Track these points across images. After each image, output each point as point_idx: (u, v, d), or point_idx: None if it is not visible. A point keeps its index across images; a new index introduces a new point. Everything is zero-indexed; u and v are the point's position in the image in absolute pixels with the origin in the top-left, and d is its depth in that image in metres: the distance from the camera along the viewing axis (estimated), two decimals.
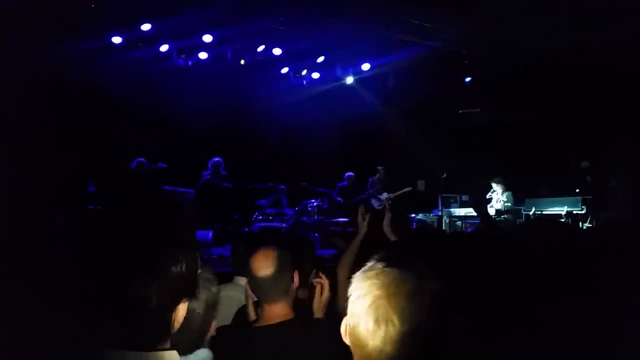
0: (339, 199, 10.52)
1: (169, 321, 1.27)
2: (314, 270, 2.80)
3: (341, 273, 2.78)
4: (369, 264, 1.19)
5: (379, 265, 1.16)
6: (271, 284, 2.12)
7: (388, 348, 1.08)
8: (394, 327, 1.07)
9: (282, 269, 2.14)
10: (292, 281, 2.21)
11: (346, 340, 1.17)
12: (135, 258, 1.25)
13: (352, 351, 1.15)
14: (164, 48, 9.19)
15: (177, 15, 8.24)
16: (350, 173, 10.58)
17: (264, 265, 2.13)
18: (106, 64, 8.95)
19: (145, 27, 8.50)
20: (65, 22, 7.96)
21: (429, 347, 1.10)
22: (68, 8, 7.77)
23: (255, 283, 2.16)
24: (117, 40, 8.68)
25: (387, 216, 3.33)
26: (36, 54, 7.69)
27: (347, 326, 1.16)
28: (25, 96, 7.80)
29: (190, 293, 1.33)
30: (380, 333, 1.08)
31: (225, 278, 3.19)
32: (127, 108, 9.34)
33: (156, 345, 1.25)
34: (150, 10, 8.25)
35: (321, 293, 2.41)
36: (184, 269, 1.27)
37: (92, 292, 1.27)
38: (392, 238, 3.28)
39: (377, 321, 1.09)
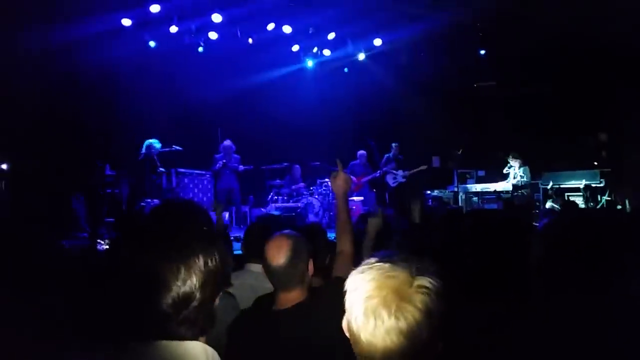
0: (352, 177, 10.46)
1: (212, 312, 1.32)
2: (329, 256, 2.77)
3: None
4: (365, 260, 1.21)
5: (372, 260, 1.18)
6: (285, 273, 2.10)
7: (378, 342, 1.10)
8: (382, 322, 1.09)
9: (296, 258, 2.11)
10: (307, 269, 2.18)
11: (347, 333, 1.20)
12: (175, 257, 1.27)
13: (352, 344, 1.17)
14: (174, 29, 9.10)
15: None
16: (363, 151, 10.49)
17: (278, 254, 2.09)
18: (116, 47, 8.91)
19: (154, 8, 8.40)
20: (74, 4, 7.92)
21: (417, 343, 1.10)
22: None
23: (269, 271, 2.13)
24: (126, 22, 8.60)
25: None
26: (46, 38, 7.69)
27: (346, 319, 1.19)
28: (36, 80, 7.83)
29: (225, 283, 1.36)
30: (370, 327, 1.11)
31: (238, 260, 3.22)
32: (138, 90, 9.33)
33: (199, 335, 1.31)
34: None
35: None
36: (218, 262, 1.31)
37: (129, 285, 1.29)
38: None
39: (366, 315, 1.11)
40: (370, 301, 1.11)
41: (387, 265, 1.15)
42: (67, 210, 7.47)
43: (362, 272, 1.17)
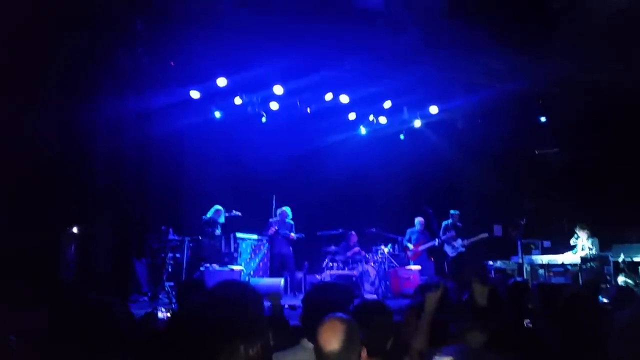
0: (409, 244, 10.26)
1: None
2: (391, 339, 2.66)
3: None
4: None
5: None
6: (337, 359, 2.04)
7: None
8: None
9: (349, 344, 2.06)
10: (360, 358, 2.11)
11: None
12: (220, 347, 1.38)
13: None
14: (238, 101, 9.57)
15: (250, 69, 8.58)
16: (421, 218, 10.33)
17: (331, 339, 2.05)
18: (184, 117, 9.45)
19: (221, 81, 8.88)
20: (147, 78, 8.53)
21: None
22: (151, 66, 8.34)
23: (321, 356, 2.09)
24: (195, 95, 9.11)
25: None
26: (118, 108, 8.26)
27: None
28: (107, 148, 8.35)
29: None
30: None
31: (295, 333, 3.15)
32: (201, 157, 9.78)
33: None
34: (225, 65, 8.65)
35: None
36: (260, 350, 1.41)
37: None
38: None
39: None
40: None
41: None
42: (130, 273, 7.70)
43: None
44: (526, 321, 3.60)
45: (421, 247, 10.12)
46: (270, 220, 9.38)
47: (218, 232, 8.38)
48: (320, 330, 2.10)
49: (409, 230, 10.39)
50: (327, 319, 2.14)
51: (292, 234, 9.28)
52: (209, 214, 8.47)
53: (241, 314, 1.47)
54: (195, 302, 1.54)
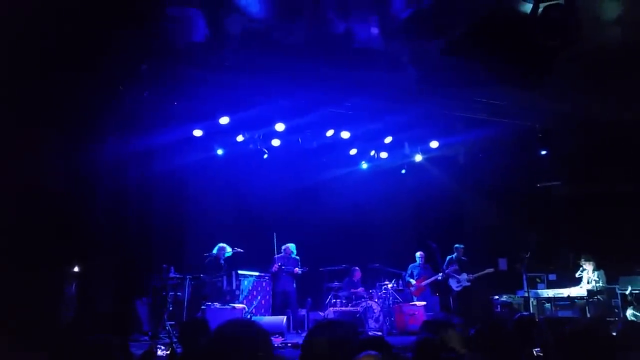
0: (411, 280, 10.14)
1: None
2: None
3: None
4: None
5: None
6: None
7: None
8: None
9: None
10: None
11: None
12: None
13: None
14: (240, 138, 9.66)
15: (252, 107, 8.69)
16: (421, 252, 10.23)
17: None
18: (186, 154, 9.52)
19: (223, 120, 8.99)
20: (151, 118, 8.64)
21: None
22: (154, 106, 8.46)
23: None
24: (197, 133, 9.20)
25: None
26: (121, 148, 8.33)
27: None
28: (109, 187, 8.39)
29: None
30: None
31: None
32: (203, 193, 9.80)
33: None
34: (227, 104, 8.76)
35: None
36: None
37: None
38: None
39: None
40: None
41: None
42: (132, 312, 7.61)
43: None
44: (536, 350, 3.55)
45: (424, 282, 10.00)
46: (275, 257, 9.33)
47: (221, 269, 8.32)
48: None
49: (410, 266, 10.28)
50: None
51: (297, 269, 9.21)
52: (214, 251, 8.42)
53: (249, 353, 1.45)
54: (202, 342, 1.56)
